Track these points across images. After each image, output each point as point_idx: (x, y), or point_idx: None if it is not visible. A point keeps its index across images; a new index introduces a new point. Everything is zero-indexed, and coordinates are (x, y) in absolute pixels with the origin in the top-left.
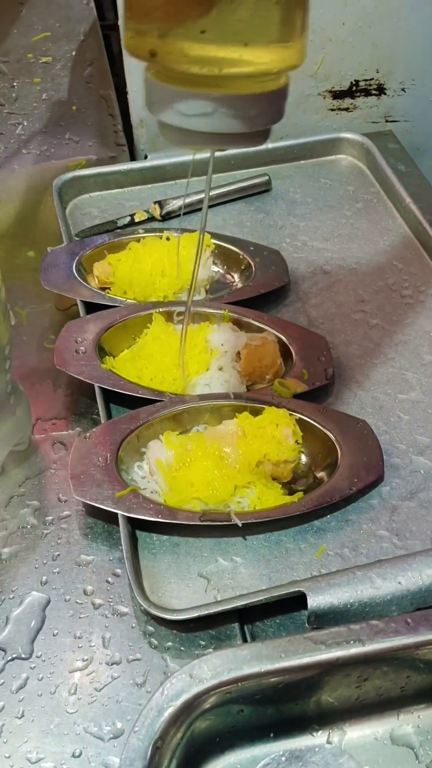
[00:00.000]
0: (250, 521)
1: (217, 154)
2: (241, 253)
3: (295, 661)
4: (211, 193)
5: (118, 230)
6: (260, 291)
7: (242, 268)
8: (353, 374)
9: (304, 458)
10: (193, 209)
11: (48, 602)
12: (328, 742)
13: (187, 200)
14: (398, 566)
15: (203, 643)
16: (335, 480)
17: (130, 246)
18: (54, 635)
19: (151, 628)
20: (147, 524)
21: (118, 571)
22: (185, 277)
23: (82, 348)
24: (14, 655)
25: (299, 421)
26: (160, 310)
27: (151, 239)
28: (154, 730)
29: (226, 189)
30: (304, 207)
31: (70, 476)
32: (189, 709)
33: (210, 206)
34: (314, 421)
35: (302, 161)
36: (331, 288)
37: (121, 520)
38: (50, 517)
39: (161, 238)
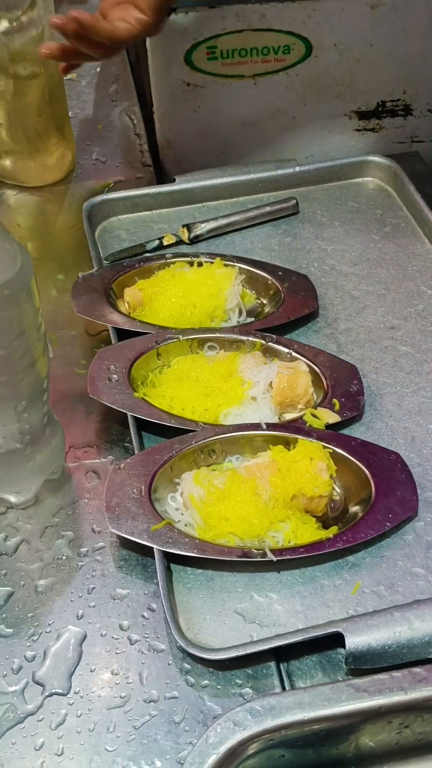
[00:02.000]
0: (285, 557)
1: (244, 177)
2: (270, 278)
3: (338, 708)
4: (238, 217)
5: (147, 253)
6: (290, 317)
7: (271, 293)
8: (384, 403)
9: (337, 491)
10: (220, 232)
11: (84, 637)
12: None
13: (215, 224)
14: None
15: (240, 681)
16: (370, 516)
17: (159, 275)
18: (91, 671)
19: (187, 666)
20: (181, 558)
21: (154, 605)
22: (216, 305)
23: (114, 376)
24: (53, 691)
25: (332, 454)
26: (192, 337)
27: (181, 264)
28: None
29: (254, 213)
30: (331, 230)
31: (105, 508)
32: (232, 756)
33: (238, 229)
34: (347, 453)
35: (329, 183)
36: (360, 314)
37: (156, 554)
38: (85, 549)
39: (192, 264)
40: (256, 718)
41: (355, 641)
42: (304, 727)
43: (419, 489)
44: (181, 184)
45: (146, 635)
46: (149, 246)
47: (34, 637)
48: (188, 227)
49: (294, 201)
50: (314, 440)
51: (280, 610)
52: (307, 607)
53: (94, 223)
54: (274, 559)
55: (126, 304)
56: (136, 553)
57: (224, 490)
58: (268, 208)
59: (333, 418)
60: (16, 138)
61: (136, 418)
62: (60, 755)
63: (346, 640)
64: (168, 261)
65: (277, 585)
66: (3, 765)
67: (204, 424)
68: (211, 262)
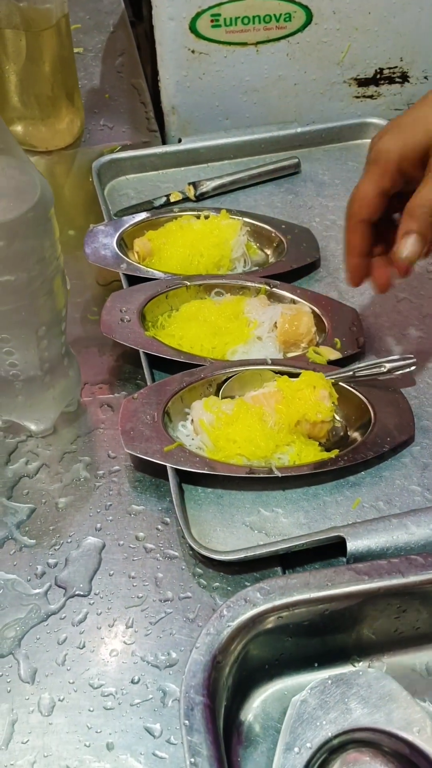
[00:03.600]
0: (290, 474)
1: (248, 137)
2: (273, 230)
3: (340, 589)
4: (242, 175)
5: (155, 210)
6: (293, 266)
7: (274, 245)
8: (383, 344)
9: (338, 419)
10: (225, 190)
11: (103, 546)
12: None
13: (220, 181)
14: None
15: (248, 584)
16: (369, 438)
17: (167, 226)
18: (110, 575)
19: (199, 570)
20: (193, 478)
21: (167, 519)
22: (222, 254)
23: (126, 317)
24: (74, 593)
25: (334, 385)
26: (199, 283)
27: (188, 218)
28: (214, 646)
29: (258, 170)
30: (332, 188)
31: (121, 432)
32: (245, 629)
33: (241, 188)
34: (348, 386)
35: (330, 145)
36: None
37: (170, 472)
38: (101, 471)
39: (198, 217)
40: (265, 596)
41: (355, 544)
42: (310, 606)
43: (416, 418)
44: (186, 144)
45: (161, 545)
46: (157, 203)
47: (56, 547)
48: (194, 185)
49: (296, 160)
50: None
51: (286, 522)
52: (311, 519)
53: (103, 182)
54: (280, 475)
55: (135, 254)
56: (149, 475)
57: (232, 416)
58: (271, 166)
59: (334, 354)
60: (28, 103)
61: (147, 355)
62: (81, 648)
63: (347, 543)
64: (175, 214)
65: (283, 501)
66: (28, 657)
67: (212, 360)
68: (217, 215)
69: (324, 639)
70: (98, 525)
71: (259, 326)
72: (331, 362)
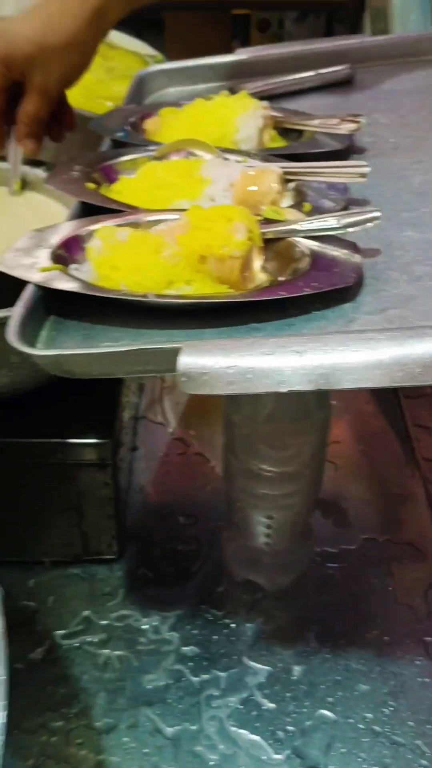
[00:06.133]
0: (165, 302)
1: (306, 47)
2: (305, 122)
3: None
4: (286, 78)
5: None
6: (310, 151)
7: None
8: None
9: (265, 274)
10: (267, 95)
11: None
12: None
13: (262, 85)
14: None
15: None
16: (288, 282)
17: (185, 106)
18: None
19: None
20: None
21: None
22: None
23: (76, 173)
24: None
25: (270, 240)
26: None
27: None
28: None
29: (304, 75)
30: (386, 102)
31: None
32: None
33: (285, 94)
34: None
35: (393, 60)
36: (392, 153)
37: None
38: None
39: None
40: None
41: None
42: None
43: (372, 279)
44: (239, 55)
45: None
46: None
47: (293, 714)
48: (231, 89)
49: (348, 67)
50: None
51: None
52: None
53: (147, 93)
54: (153, 299)
55: (144, 131)
56: None
57: (125, 244)
58: (320, 71)
59: (296, 216)
60: None
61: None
62: None
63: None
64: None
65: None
66: None
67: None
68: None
69: None
70: (329, 698)
71: (212, 184)
72: None
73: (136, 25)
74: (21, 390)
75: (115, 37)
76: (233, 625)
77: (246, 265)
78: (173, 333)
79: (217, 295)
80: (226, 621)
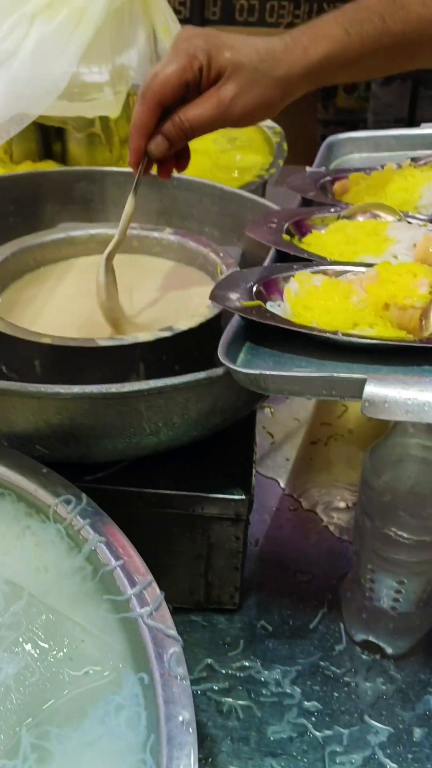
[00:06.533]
0: (352, 340)
1: None
2: None
3: None
4: None
5: None
6: None
7: None
8: None
9: None
10: None
11: None
12: None
13: None
14: None
15: None
16: None
17: (374, 173)
18: None
19: None
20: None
21: None
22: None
23: (273, 225)
24: None
25: None
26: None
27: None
28: None
29: None
30: None
31: (215, 286)
32: None
33: None
34: None
35: None
36: None
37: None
38: None
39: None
40: None
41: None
42: None
43: None
44: (423, 129)
45: None
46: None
47: None
48: (414, 159)
49: None
50: None
51: None
52: None
53: (333, 158)
54: (341, 337)
55: (333, 192)
56: None
57: (319, 288)
58: None
59: None
60: None
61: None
62: None
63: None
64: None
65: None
66: None
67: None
68: None
69: None
70: None
71: (397, 243)
72: None
73: None
74: (173, 446)
75: None
76: (353, 684)
77: (425, 314)
78: (353, 367)
79: (397, 338)
80: (346, 679)
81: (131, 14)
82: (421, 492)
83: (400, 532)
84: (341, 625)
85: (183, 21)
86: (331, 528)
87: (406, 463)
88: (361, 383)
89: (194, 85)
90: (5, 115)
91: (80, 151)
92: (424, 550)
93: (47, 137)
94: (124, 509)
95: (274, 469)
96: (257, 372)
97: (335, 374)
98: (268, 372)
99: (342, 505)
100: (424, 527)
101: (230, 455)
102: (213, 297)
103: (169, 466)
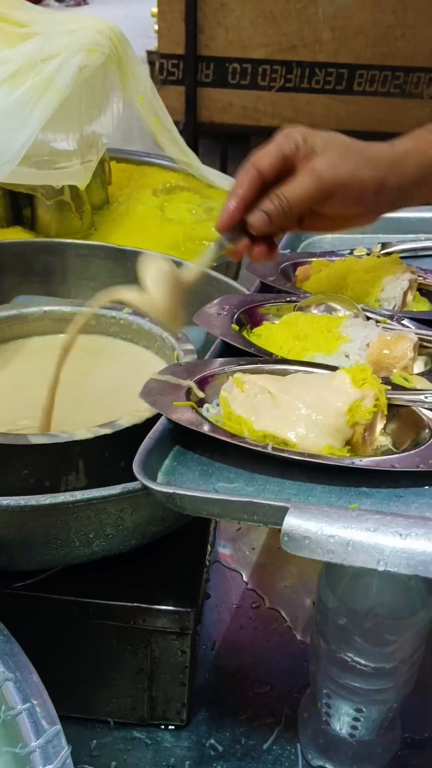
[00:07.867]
0: (283, 455)
1: None
2: None
3: None
4: None
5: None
6: None
7: None
8: None
9: (385, 440)
10: (417, 255)
11: None
12: None
13: (412, 245)
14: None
15: None
16: (405, 453)
17: (337, 261)
18: None
19: None
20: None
21: None
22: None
23: (224, 312)
24: None
25: (395, 406)
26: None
27: (361, 250)
28: None
29: None
30: None
31: (144, 384)
32: None
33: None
34: (417, 411)
35: None
36: None
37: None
38: None
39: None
40: None
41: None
42: None
43: None
44: (399, 213)
45: None
46: (339, 253)
47: None
48: (383, 245)
49: None
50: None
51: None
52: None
53: (304, 237)
54: (270, 451)
55: (295, 277)
56: None
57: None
58: None
59: (424, 385)
60: None
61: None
62: None
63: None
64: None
65: (274, 485)
66: None
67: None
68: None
69: None
70: None
71: (349, 342)
72: None
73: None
74: (111, 554)
75: (215, 177)
76: None
77: (369, 428)
78: (284, 483)
79: (331, 456)
80: None
81: (105, 82)
82: (380, 614)
83: (357, 659)
84: (298, 746)
85: (175, 83)
86: (295, 630)
87: (365, 577)
88: (284, 511)
89: (290, 158)
90: None
91: (49, 218)
92: (384, 678)
93: (16, 203)
94: (57, 618)
95: (238, 560)
96: (171, 491)
97: (254, 500)
98: (182, 492)
99: (308, 602)
100: (383, 654)
101: (178, 559)
102: (143, 394)
103: (108, 572)
